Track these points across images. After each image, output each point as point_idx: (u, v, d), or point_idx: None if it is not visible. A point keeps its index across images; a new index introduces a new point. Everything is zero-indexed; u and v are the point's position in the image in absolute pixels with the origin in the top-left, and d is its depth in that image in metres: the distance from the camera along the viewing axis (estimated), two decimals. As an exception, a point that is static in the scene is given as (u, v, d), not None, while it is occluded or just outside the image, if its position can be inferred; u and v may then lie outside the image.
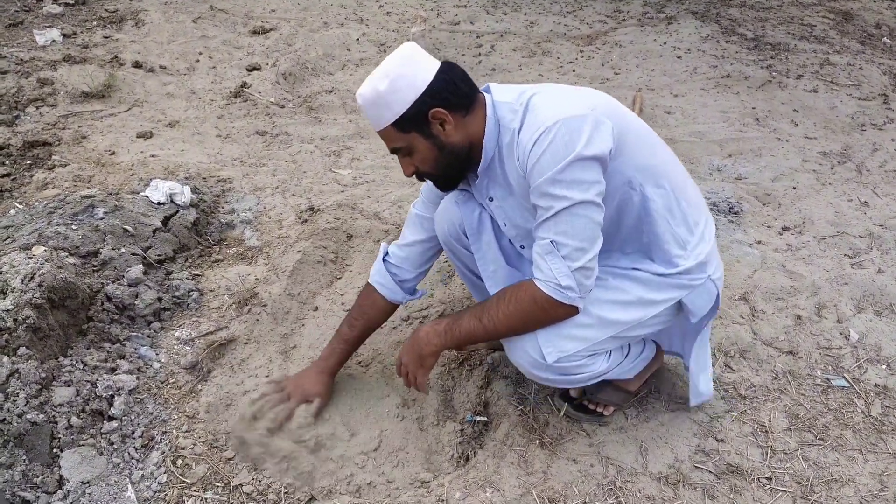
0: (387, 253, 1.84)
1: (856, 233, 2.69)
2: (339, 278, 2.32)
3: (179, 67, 3.90)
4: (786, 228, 2.71)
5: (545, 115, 1.41)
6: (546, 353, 1.51)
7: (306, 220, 2.56)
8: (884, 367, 2.07)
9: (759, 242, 2.59)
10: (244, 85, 3.73)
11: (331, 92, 3.74)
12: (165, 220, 2.38)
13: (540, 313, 1.48)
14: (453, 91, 1.47)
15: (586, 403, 1.85)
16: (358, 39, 4.30)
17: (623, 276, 1.60)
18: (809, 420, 1.89)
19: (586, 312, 1.52)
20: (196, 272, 2.29)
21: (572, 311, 1.48)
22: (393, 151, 1.55)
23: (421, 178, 1.61)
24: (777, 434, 1.84)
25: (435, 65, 1.49)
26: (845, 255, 2.56)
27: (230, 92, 3.67)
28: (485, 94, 1.55)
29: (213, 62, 3.99)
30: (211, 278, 2.28)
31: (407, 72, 1.44)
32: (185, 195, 2.47)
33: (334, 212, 2.60)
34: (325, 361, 1.84)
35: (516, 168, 1.48)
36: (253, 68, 3.93)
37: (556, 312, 1.48)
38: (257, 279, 2.27)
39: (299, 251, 2.37)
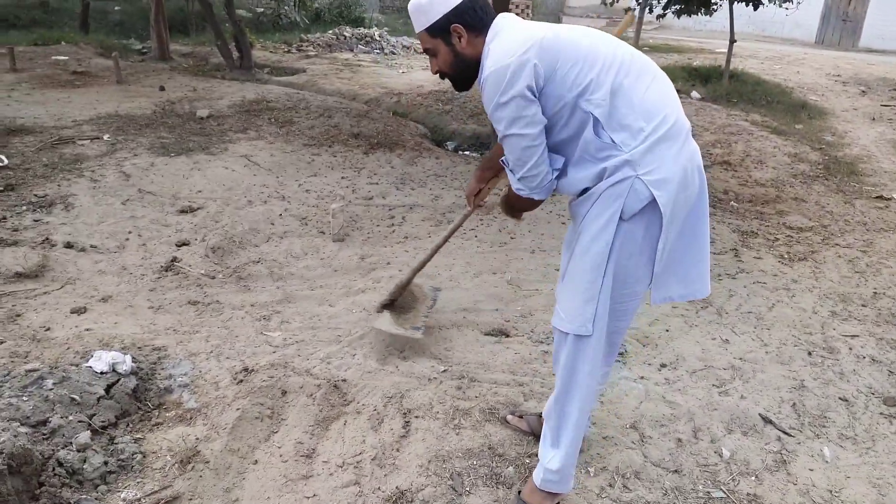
0: None
1: (720, 366, 3.17)
2: (276, 432, 2.52)
3: (110, 246, 4.14)
4: (663, 365, 3.16)
5: (489, 62, 1.85)
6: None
7: (242, 381, 2.77)
8: (753, 478, 2.44)
9: (643, 378, 3.02)
10: (174, 259, 4.00)
11: (258, 262, 4.07)
12: (108, 388, 2.54)
13: (516, 200, 2.06)
14: (472, 15, 1.91)
15: None
16: (281, 214, 4.73)
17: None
18: (695, 527, 2.20)
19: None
20: (138, 436, 2.43)
21: (531, 199, 1.99)
22: (425, 51, 2.00)
23: (442, 76, 2.03)
24: (670, 541, 2.13)
25: None
26: (713, 385, 3.01)
27: (161, 266, 3.93)
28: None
29: (142, 240, 4.26)
30: (153, 440, 2.42)
31: None
32: (126, 364, 2.66)
33: (268, 371, 2.83)
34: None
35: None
36: (182, 244, 4.23)
37: (523, 200, 2.02)
38: (198, 438, 2.44)
39: (238, 409, 2.57)
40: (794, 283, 4.16)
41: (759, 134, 7.84)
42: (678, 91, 9.00)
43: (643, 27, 18.00)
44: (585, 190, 1.92)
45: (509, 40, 1.85)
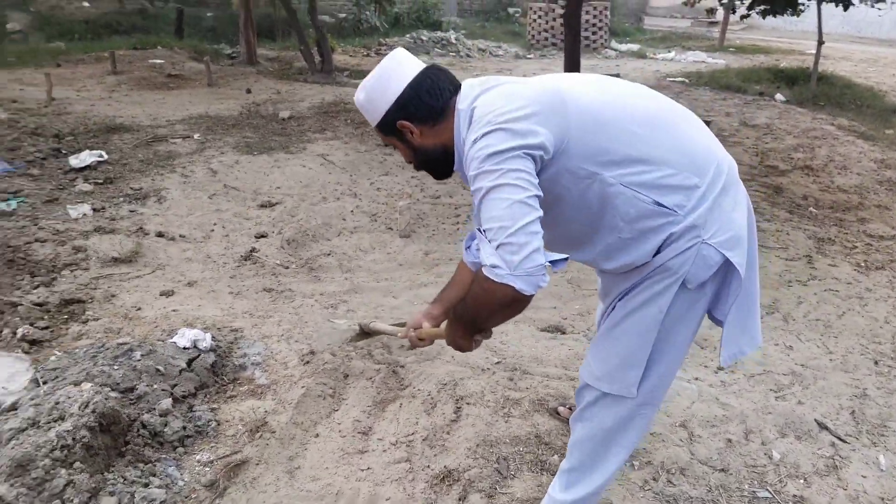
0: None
1: (780, 371, 3.14)
2: (337, 410, 2.69)
3: (197, 236, 4.47)
4: (720, 368, 3.16)
5: (478, 125, 1.53)
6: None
7: (308, 362, 2.97)
8: (801, 481, 2.43)
9: (697, 379, 3.03)
10: (253, 250, 4.29)
11: (329, 255, 4.30)
12: (189, 363, 2.79)
13: (483, 296, 1.51)
14: (417, 105, 1.63)
15: None
16: (352, 211, 4.96)
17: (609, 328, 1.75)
18: (738, 524, 2.22)
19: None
20: (214, 406, 2.67)
21: (508, 290, 1.43)
22: (385, 145, 1.84)
23: (417, 169, 1.78)
24: (710, 535, 2.17)
25: (409, 76, 1.64)
26: (770, 389, 2.99)
27: (241, 256, 4.22)
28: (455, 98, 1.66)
29: (225, 231, 4.58)
30: (226, 411, 2.65)
31: (380, 85, 1.64)
32: (206, 341, 2.91)
33: (332, 354, 3.02)
34: (429, 310, 2.08)
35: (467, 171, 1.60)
36: (261, 236, 4.52)
37: (494, 295, 1.47)
38: (266, 411, 2.65)
39: (303, 387, 2.77)
40: (868, 291, 4.03)
41: (844, 139, 7.52)
42: (761, 94, 8.88)
43: (729, 27, 17.51)
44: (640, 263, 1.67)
45: (505, 98, 1.56)
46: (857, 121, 8.44)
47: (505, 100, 1.55)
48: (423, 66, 1.69)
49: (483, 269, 1.48)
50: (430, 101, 1.64)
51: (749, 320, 1.81)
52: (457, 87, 1.68)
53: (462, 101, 1.63)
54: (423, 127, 1.66)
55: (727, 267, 1.64)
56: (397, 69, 1.66)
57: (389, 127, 1.68)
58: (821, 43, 10.17)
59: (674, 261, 1.60)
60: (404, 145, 1.72)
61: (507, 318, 1.62)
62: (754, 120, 8.33)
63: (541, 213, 1.48)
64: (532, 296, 1.46)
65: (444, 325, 1.96)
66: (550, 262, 1.68)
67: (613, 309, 1.75)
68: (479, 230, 1.52)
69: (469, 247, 2.06)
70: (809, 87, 10.11)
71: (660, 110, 1.65)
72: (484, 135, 1.50)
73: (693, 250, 1.58)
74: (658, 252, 1.61)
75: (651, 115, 1.62)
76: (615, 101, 1.62)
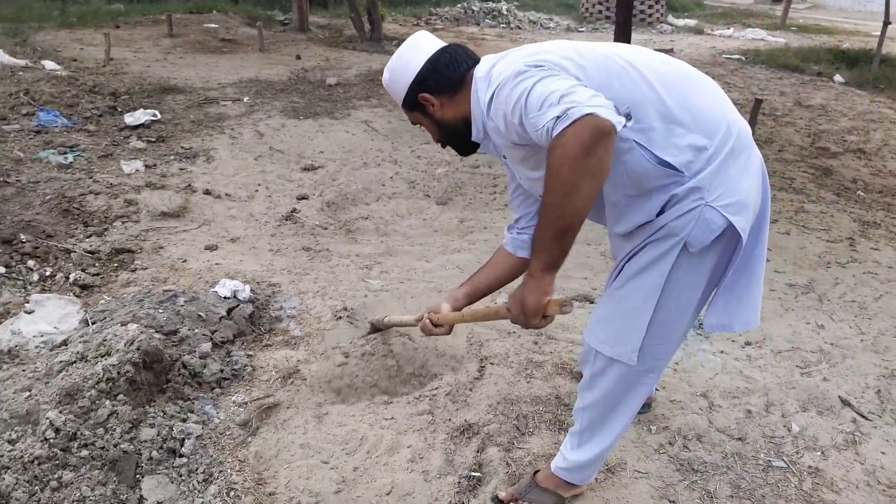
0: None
1: (809, 349, 3.12)
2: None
3: (241, 195, 4.63)
4: (748, 343, 3.16)
5: (499, 79, 1.56)
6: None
7: (341, 318, 3.09)
8: (818, 453, 2.45)
9: (722, 352, 3.04)
10: (294, 210, 4.42)
11: (366, 219, 4.41)
12: (229, 311, 2.93)
13: (562, 155, 1.35)
14: (436, 78, 1.71)
15: None
16: (392, 177, 5.05)
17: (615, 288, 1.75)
18: (749, 490, 2.26)
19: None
20: (250, 353, 2.81)
21: (587, 123, 1.32)
22: (413, 124, 1.87)
23: (443, 146, 1.87)
24: (721, 500, 2.21)
25: (429, 53, 1.72)
26: (797, 366, 2.99)
27: (282, 216, 4.36)
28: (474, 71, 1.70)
29: (269, 192, 4.72)
30: (262, 358, 2.79)
31: (402, 64, 1.75)
32: (245, 292, 3.05)
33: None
34: (453, 292, 2.05)
35: (498, 128, 1.61)
36: (302, 197, 4.65)
37: (575, 141, 1.33)
38: (299, 360, 2.78)
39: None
40: (910, 276, 3.95)
41: (903, 123, 7.27)
42: (819, 75, 8.62)
43: (793, 6, 16.88)
44: (644, 222, 1.65)
45: (520, 53, 1.62)
46: (918, 104, 8.12)
47: (523, 53, 1.61)
48: (443, 44, 1.77)
49: (553, 130, 1.36)
50: (448, 72, 1.70)
51: (747, 294, 1.76)
52: (475, 61, 1.73)
53: (480, 71, 1.68)
54: (443, 98, 1.73)
55: (733, 235, 1.61)
56: (418, 48, 1.75)
57: (413, 102, 1.76)
58: (886, 23, 9.75)
59: (676, 222, 1.58)
60: (428, 120, 1.79)
61: (601, 171, 1.37)
62: (809, 100, 8.09)
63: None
64: (615, 127, 1.34)
65: (465, 309, 1.99)
66: None
67: (620, 271, 1.74)
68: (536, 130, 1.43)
69: (512, 230, 2.01)
70: (871, 68, 9.73)
71: (672, 72, 1.64)
72: (510, 75, 1.53)
73: (696, 212, 1.56)
74: (661, 213, 1.61)
75: (662, 74, 1.61)
76: (627, 58, 1.62)
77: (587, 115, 1.32)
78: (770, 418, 2.62)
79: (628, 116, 1.53)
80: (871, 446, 2.47)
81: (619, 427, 1.95)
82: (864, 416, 2.63)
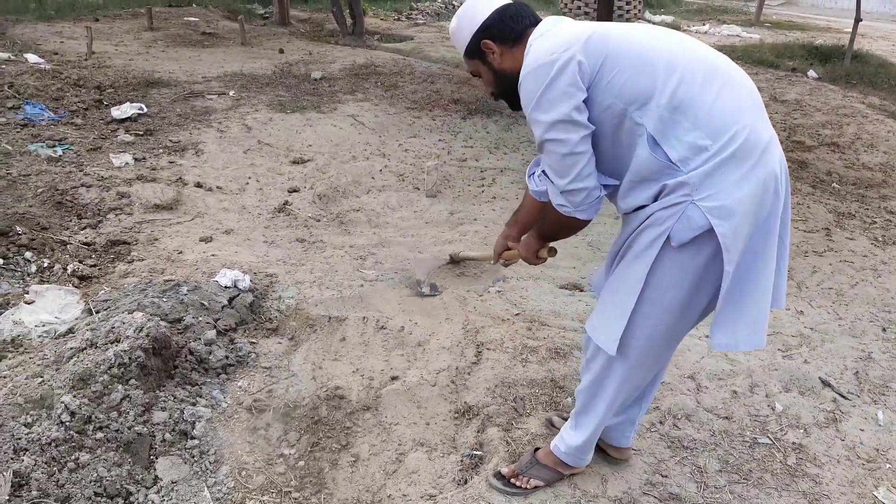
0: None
1: (789, 333, 3.27)
2: (365, 352, 2.89)
3: (232, 188, 4.66)
4: (731, 328, 3.29)
5: (529, 59, 1.70)
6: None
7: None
8: (801, 431, 2.58)
9: (707, 336, 3.16)
10: (286, 203, 4.47)
11: (358, 210, 4.47)
12: (230, 300, 2.99)
13: (556, 221, 1.84)
14: (500, 27, 1.81)
15: (514, 480, 2.16)
16: (381, 170, 5.11)
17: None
18: (737, 465, 2.38)
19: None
20: (252, 340, 2.87)
21: (574, 220, 1.78)
22: (472, 75, 1.96)
23: (495, 97, 1.96)
24: (710, 474, 2.33)
25: (497, 4, 1.83)
26: (778, 349, 3.13)
27: (274, 208, 4.40)
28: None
29: (260, 184, 4.76)
30: (264, 345, 2.85)
31: (470, 12, 1.85)
32: (245, 281, 3.10)
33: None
34: (508, 233, 2.32)
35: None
36: (293, 190, 4.70)
37: (567, 222, 1.81)
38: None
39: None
40: (883, 264, 4.11)
41: (874, 117, 7.49)
42: (793, 70, 8.75)
43: (767, 3, 17.19)
44: (640, 206, 1.74)
45: (554, 38, 1.70)
46: (888, 100, 8.36)
47: (550, 41, 1.71)
48: None
49: (553, 203, 1.79)
50: (511, 24, 1.82)
51: (753, 311, 1.71)
52: (536, 21, 1.84)
53: (534, 36, 1.78)
54: (503, 47, 1.83)
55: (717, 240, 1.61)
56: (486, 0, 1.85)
57: (475, 48, 1.85)
58: (857, 20, 10.01)
59: (661, 213, 1.64)
60: (486, 68, 1.88)
61: (576, 232, 1.94)
62: (784, 95, 8.29)
63: (590, 150, 1.68)
64: (586, 222, 1.81)
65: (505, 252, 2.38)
66: (603, 185, 1.77)
67: (620, 260, 1.82)
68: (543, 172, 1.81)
69: (532, 174, 2.13)
70: (843, 64, 9.98)
71: (701, 67, 1.64)
72: (527, 77, 1.68)
73: (680, 207, 1.60)
74: (655, 201, 1.67)
75: (691, 65, 1.63)
76: (654, 45, 1.67)
77: (575, 217, 1.77)
78: (754, 398, 2.75)
79: (642, 105, 1.62)
80: (851, 424, 2.61)
81: (601, 412, 2.01)
82: (843, 396, 2.78)
